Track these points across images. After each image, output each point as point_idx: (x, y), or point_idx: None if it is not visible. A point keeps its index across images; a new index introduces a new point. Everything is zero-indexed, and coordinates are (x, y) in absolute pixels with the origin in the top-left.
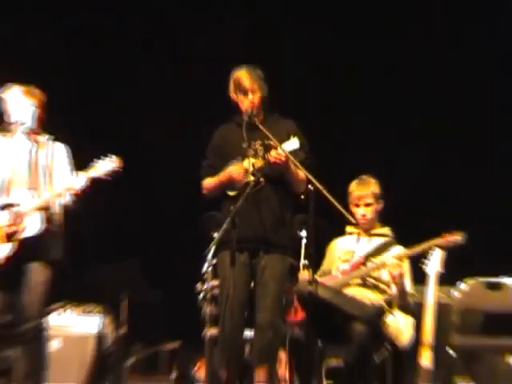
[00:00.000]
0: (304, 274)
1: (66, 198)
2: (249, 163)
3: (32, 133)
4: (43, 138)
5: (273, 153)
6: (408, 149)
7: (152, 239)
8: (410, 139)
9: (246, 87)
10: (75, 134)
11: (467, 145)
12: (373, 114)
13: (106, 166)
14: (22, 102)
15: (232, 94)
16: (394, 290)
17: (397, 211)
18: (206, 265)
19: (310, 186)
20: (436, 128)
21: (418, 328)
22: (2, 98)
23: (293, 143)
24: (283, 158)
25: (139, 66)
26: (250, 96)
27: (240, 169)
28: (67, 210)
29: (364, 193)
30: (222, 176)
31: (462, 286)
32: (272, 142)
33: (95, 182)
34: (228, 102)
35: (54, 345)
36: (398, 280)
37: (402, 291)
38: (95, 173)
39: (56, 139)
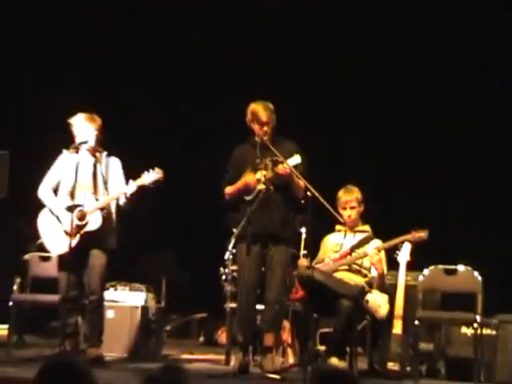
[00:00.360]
0: (303, 262)
1: (120, 201)
2: (261, 175)
3: (93, 150)
4: (101, 154)
5: (280, 166)
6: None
7: (186, 234)
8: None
9: (262, 121)
10: (127, 149)
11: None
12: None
13: (151, 176)
14: (85, 127)
15: (249, 122)
16: (373, 273)
17: (374, 212)
18: (227, 253)
19: (308, 193)
20: None
21: (392, 304)
22: (71, 124)
23: (295, 159)
24: (288, 171)
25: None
26: (265, 128)
27: (253, 178)
28: (120, 210)
29: (349, 198)
30: (240, 184)
31: (425, 271)
32: (279, 158)
33: (142, 189)
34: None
35: (108, 314)
36: (378, 265)
37: (381, 274)
38: (142, 181)
39: (110, 154)
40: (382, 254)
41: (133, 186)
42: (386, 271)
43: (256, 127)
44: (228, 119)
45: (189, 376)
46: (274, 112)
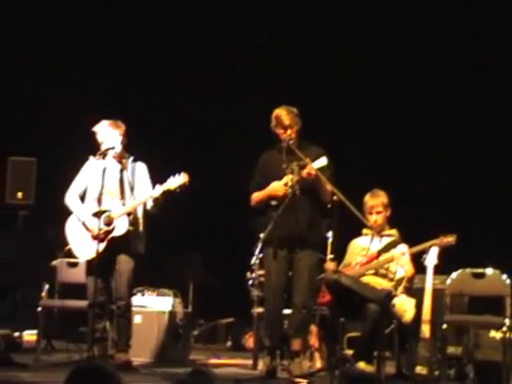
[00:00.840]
0: (330, 266)
1: (147, 205)
2: (287, 179)
3: (119, 156)
4: (127, 160)
5: (306, 170)
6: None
7: (213, 239)
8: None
9: (285, 124)
10: (154, 155)
11: None
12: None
13: (177, 180)
14: (110, 133)
15: (273, 128)
16: (399, 274)
17: (402, 216)
18: (253, 258)
19: (334, 197)
20: None
21: (419, 308)
22: (95, 132)
23: (322, 160)
24: (313, 173)
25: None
26: (289, 131)
27: (280, 185)
28: (147, 215)
29: (375, 203)
30: (267, 191)
31: (453, 275)
32: (305, 162)
33: (168, 194)
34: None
35: (136, 320)
36: (407, 266)
37: (411, 276)
38: (168, 186)
39: (135, 160)
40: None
41: (159, 190)
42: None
43: (280, 132)
44: (255, 122)
45: (216, 381)
46: (298, 116)
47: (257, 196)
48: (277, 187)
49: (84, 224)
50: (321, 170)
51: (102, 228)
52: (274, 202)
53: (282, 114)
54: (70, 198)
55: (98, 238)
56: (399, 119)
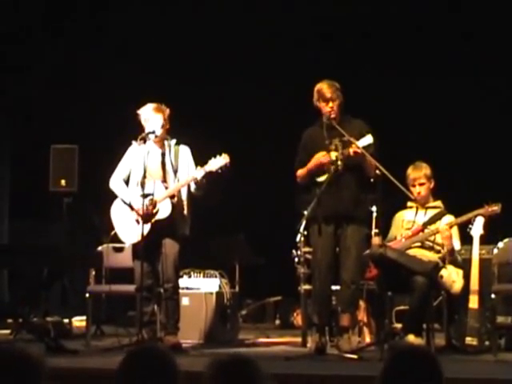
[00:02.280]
0: (375, 240)
1: (191, 188)
2: (334, 156)
3: (161, 139)
4: (169, 143)
5: (351, 149)
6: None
7: (258, 217)
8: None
9: (327, 97)
10: (196, 137)
11: None
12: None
13: (218, 162)
14: (152, 117)
15: (316, 102)
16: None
17: (448, 187)
18: (298, 235)
19: (378, 172)
20: None
21: (467, 278)
22: (139, 114)
23: (367, 139)
24: (359, 151)
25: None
26: (331, 104)
27: (326, 156)
28: (191, 197)
29: (418, 175)
30: (312, 163)
31: (500, 244)
32: (348, 139)
33: (210, 175)
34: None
35: (184, 302)
36: (447, 241)
37: (450, 250)
38: (210, 167)
39: (178, 143)
40: (455, 229)
41: (201, 172)
42: (459, 246)
43: (322, 105)
44: (296, 102)
45: (258, 366)
46: (339, 90)
47: (301, 172)
48: (322, 158)
49: (130, 205)
50: (365, 147)
51: (148, 206)
52: (320, 179)
53: (324, 87)
54: (115, 182)
55: (144, 217)
56: (439, 90)
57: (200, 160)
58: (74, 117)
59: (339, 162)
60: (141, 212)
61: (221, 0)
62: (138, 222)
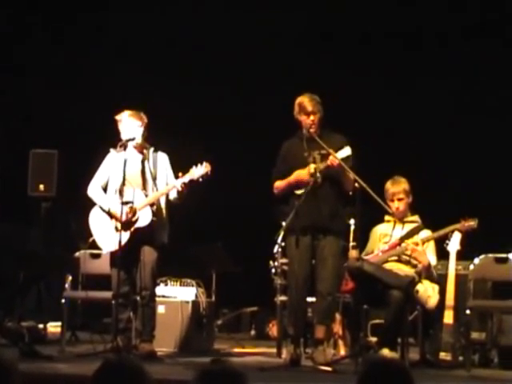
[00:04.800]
0: (353, 254)
1: (170, 196)
2: (309, 167)
3: (140, 147)
4: (148, 150)
5: (330, 158)
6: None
7: (235, 228)
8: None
9: (308, 110)
10: (174, 145)
11: None
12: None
13: (199, 170)
14: (131, 123)
15: (296, 115)
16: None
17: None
18: (276, 246)
19: (356, 185)
20: None
21: (442, 294)
22: (117, 120)
23: (345, 151)
24: (336, 163)
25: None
26: (312, 117)
27: (305, 173)
28: (170, 205)
29: (397, 190)
30: (291, 179)
31: (476, 260)
32: (328, 151)
33: (191, 183)
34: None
35: (160, 310)
36: (421, 258)
37: (426, 266)
38: (190, 176)
39: (156, 150)
40: (432, 244)
41: (181, 180)
42: (435, 261)
43: (303, 118)
44: (277, 112)
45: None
46: (320, 103)
47: (280, 184)
48: (301, 174)
49: (109, 212)
50: (344, 159)
51: (128, 211)
52: (299, 192)
53: (305, 100)
54: (93, 189)
55: (124, 224)
56: (417, 105)
57: (180, 168)
58: (54, 121)
59: (318, 175)
60: (122, 218)
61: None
62: (116, 229)
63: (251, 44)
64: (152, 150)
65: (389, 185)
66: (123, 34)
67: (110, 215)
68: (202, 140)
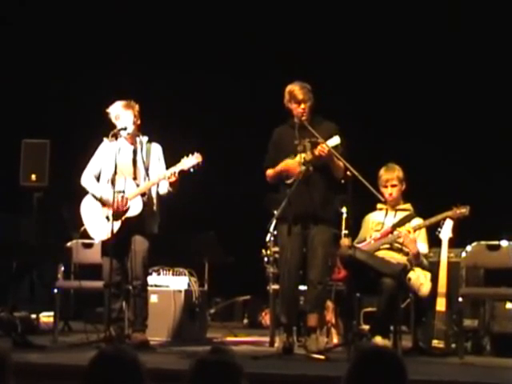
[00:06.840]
0: (345, 242)
1: (161, 186)
2: (300, 157)
3: (132, 136)
4: (141, 140)
5: (319, 147)
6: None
7: (227, 216)
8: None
9: (299, 99)
10: (168, 135)
11: None
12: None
13: (190, 161)
14: (123, 113)
15: (287, 103)
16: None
17: (416, 190)
18: (268, 235)
19: (348, 173)
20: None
21: (435, 281)
22: (108, 112)
23: (335, 139)
24: (326, 152)
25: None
26: (302, 105)
27: (294, 163)
28: (162, 195)
29: (390, 176)
30: (280, 168)
31: (468, 247)
32: (318, 140)
33: (182, 174)
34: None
35: (152, 299)
36: (411, 246)
37: (415, 254)
38: (182, 166)
39: (150, 140)
40: (423, 231)
41: (172, 170)
42: (426, 249)
43: (293, 106)
44: (268, 100)
45: (235, 358)
46: (311, 91)
47: (270, 173)
48: (290, 164)
49: (101, 200)
50: (334, 147)
51: (119, 203)
52: (288, 181)
53: (296, 88)
54: (86, 179)
55: (115, 213)
56: (410, 91)
57: (173, 159)
58: (46, 111)
59: (309, 163)
60: (114, 206)
61: None
62: (108, 218)
63: (245, 31)
64: (146, 139)
65: (382, 171)
66: (116, 24)
67: (103, 204)
68: (189, 129)
